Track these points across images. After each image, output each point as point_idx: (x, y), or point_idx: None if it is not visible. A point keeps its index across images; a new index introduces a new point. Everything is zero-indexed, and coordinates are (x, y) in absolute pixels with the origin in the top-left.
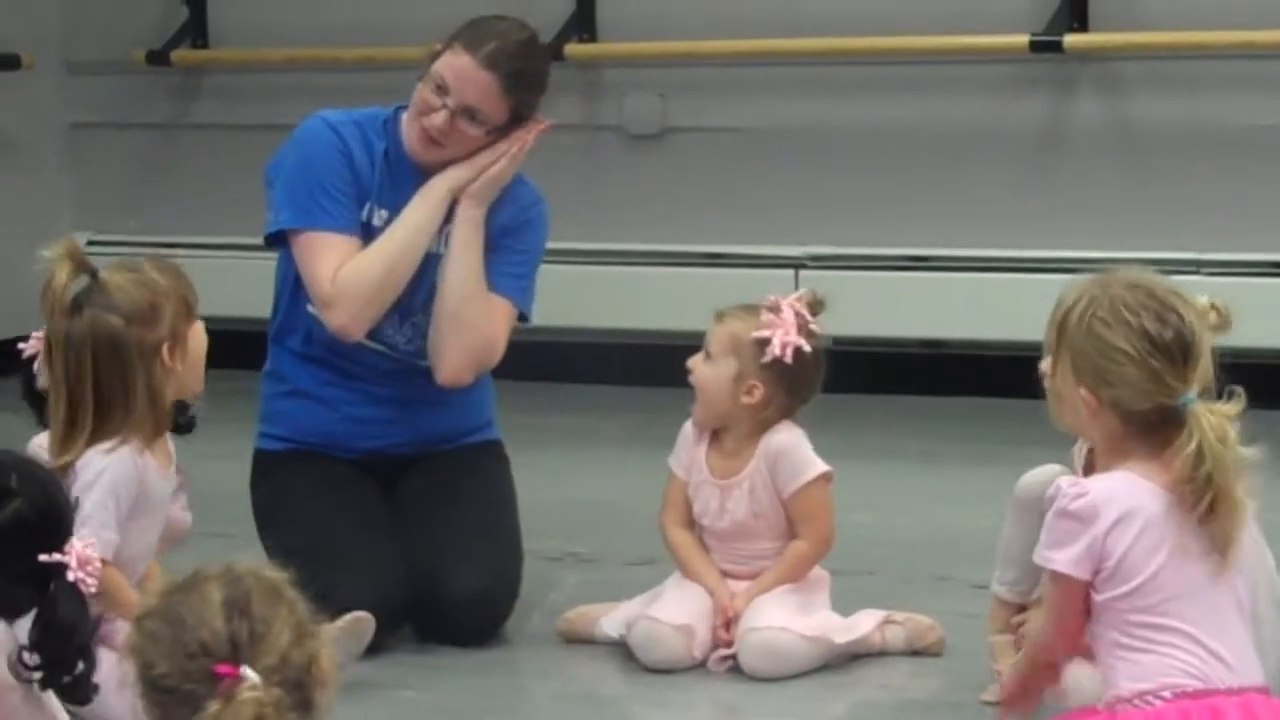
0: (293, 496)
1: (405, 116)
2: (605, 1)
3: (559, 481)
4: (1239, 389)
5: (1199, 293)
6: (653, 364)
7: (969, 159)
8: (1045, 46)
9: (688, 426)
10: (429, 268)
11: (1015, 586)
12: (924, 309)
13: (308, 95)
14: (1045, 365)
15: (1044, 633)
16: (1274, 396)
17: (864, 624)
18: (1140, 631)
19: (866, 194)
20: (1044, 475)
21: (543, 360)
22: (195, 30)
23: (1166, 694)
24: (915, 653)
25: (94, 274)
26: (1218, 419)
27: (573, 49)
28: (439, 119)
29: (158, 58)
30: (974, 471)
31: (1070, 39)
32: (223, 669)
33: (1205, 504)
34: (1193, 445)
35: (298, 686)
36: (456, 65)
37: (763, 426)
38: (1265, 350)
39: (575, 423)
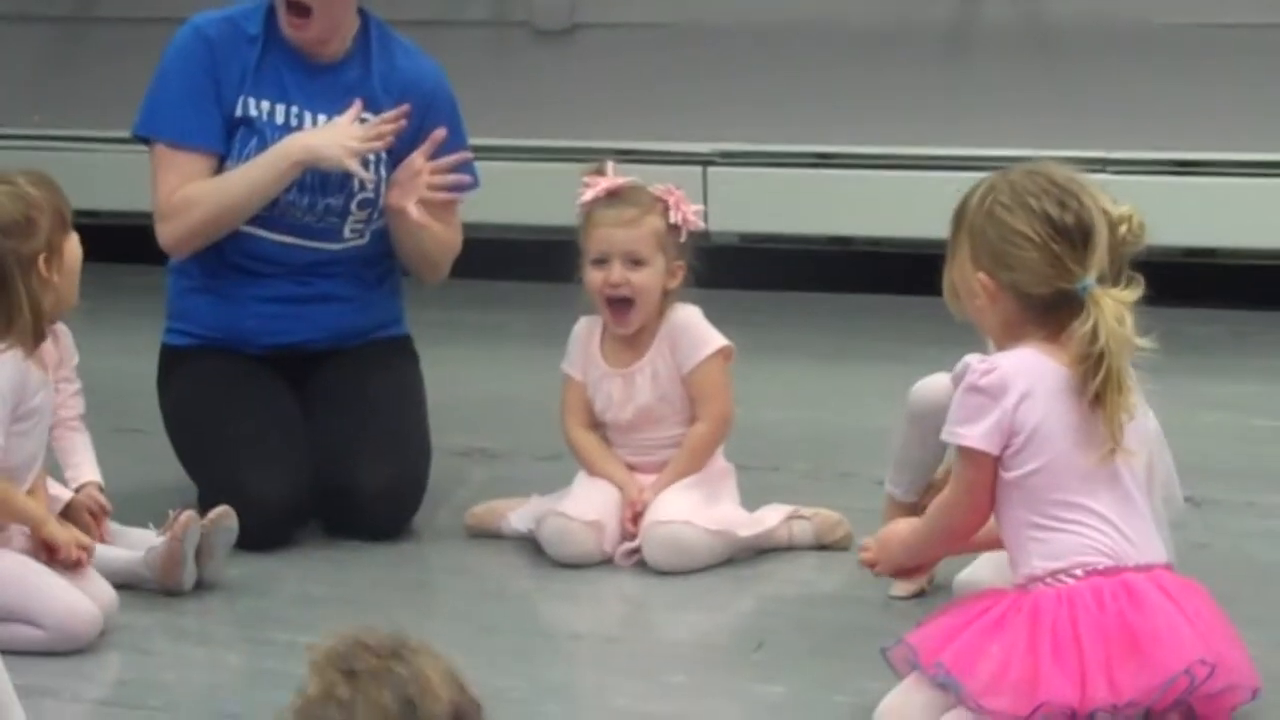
0: (200, 394)
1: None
2: None
3: (467, 377)
4: (1138, 276)
5: (1107, 190)
6: (559, 260)
7: (879, 56)
8: None
9: (578, 328)
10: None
11: (910, 488)
12: (832, 206)
13: None
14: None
15: (951, 504)
16: (1175, 294)
17: (770, 518)
18: (1051, 510)
19: (775, 91)
20: (935, 384)
21: (487, 258)
22: None
23: (1079, 572)
24: (822, 547)
25: None
26: (1115, 303)
27: None
28: None
29: None
30: (880, 369)
31: None
32: None
33: (1096, 384)
34: (1089, 325)
35: None
36: None
37: (665, 306)
38: (1168, 248)
39: (483, 319)
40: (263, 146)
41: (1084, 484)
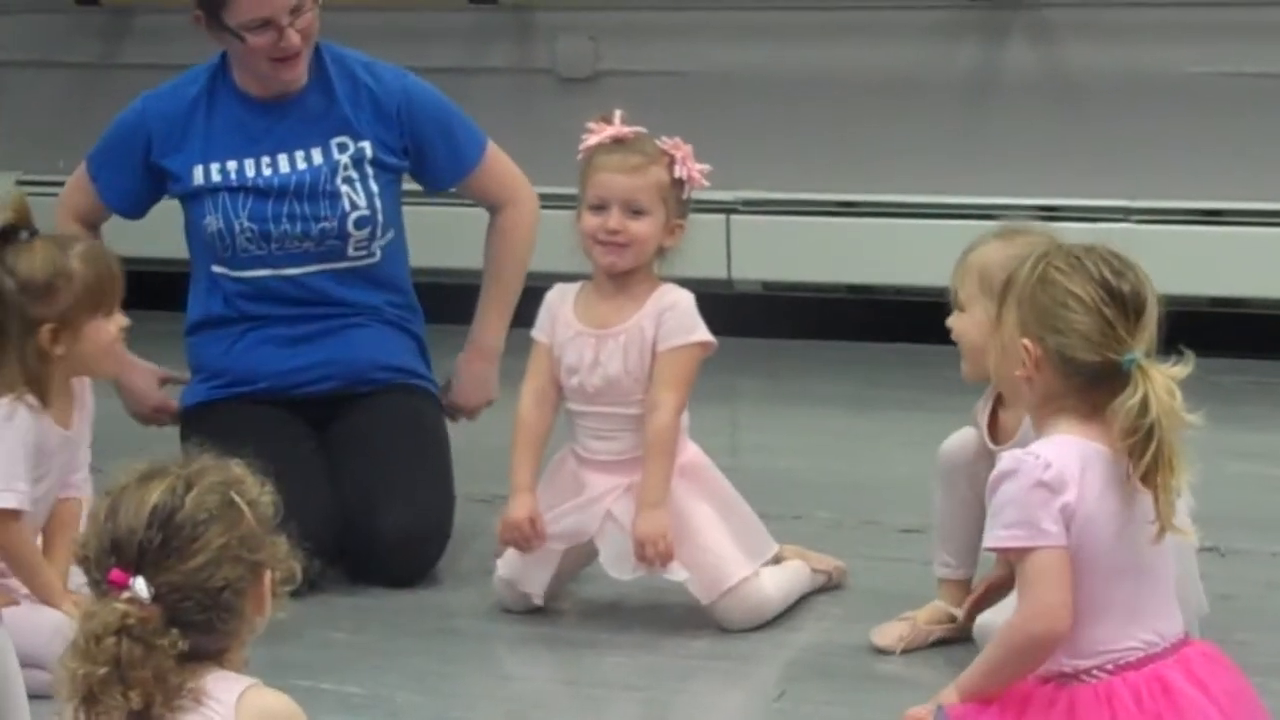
0: (222, 444)
1: (242, 74)
2: None
3: (490, 422)
4: (1188, 353)
5: (1129, 239)
6: None
7: (902, 105)
8: None
9: (550, 294)
10: (319, 180)
11: (961, 562)
12: (854, 254)
13: None
14: (953, 320)
15: (1032, 614)
16: (1201, 344)
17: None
18: (1084, 602)
19: (798, 139)
20: (961, 439)
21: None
22: None
23: (1110, 666)
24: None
25: (29, 231)
26: (1164, 377)
27: None
28: (290, 39)
29: None
30: (903, 417)
31: None
32: (115, 574)
33: (1146, 461)
34: (1137, 396)
35: (201, 608)
36: None
37: (656, 267)
38: (1194, 297)
39: (505, 364)
40: (236, 203)
41: (1120, 572)
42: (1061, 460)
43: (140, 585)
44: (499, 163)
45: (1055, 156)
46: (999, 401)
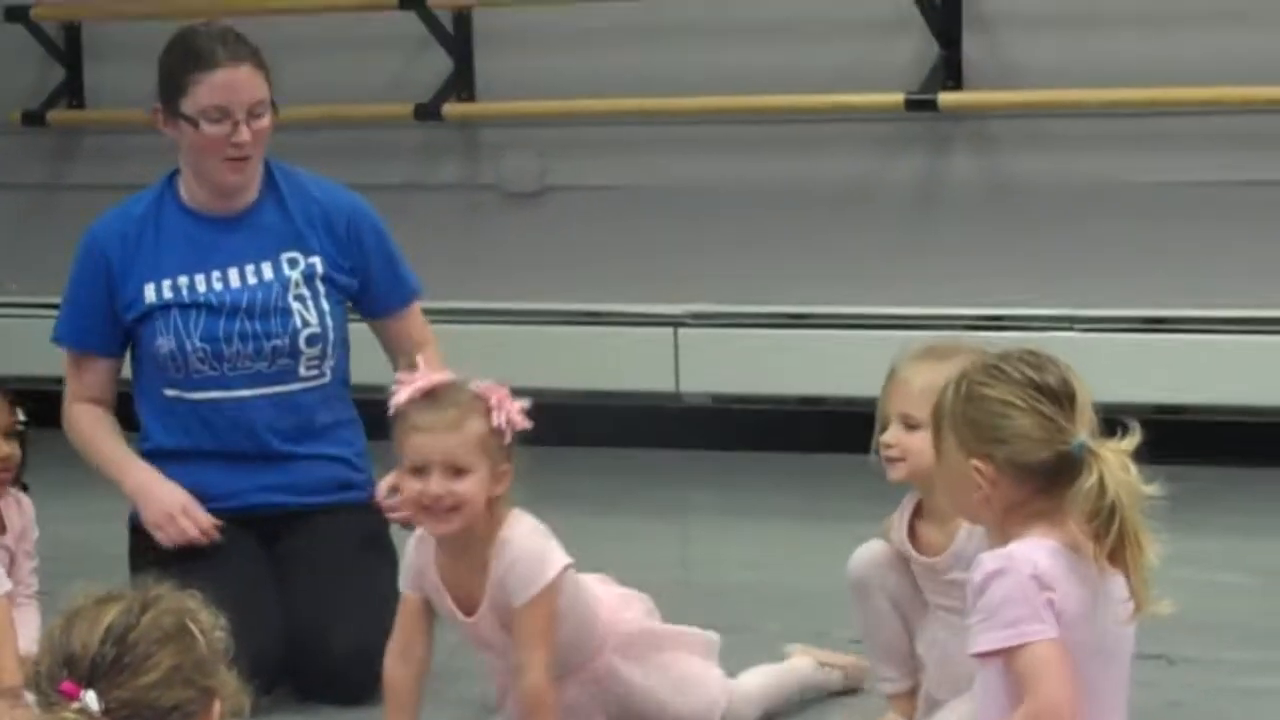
0: (170, 561)
1: (187, 175)
2: (483, 61)
3: None
4: (1134, 423)
5: (1073, 348)
6: (531, 423)
7: (846, 217)
8: (920, 105)
9: (411, 550)
10: (270, 296)
11: (900, 675)
12: (803, 366)
13: None
14: (899, 437)
15: (1047, 709)
16: (1143, 452)
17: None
18: None
19: (745, 252)
20: (870, 553)
21: None
22: (71, 91)
23: None
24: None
25: None
26: (1116, 453)
27: (451, 108)
28: (242, 134)
29: (34, 118)
30: (853, 528)
31: (945, 97)
32: (67, 686)
33: (1110, 541)
34: (1093, 478)
35: None
36: (222, 82)
37: (495, 516)
38: (1136, 405)
39: None
40: (188, 322)
41: (1084, 682)
42: (1041, 559)
43: (91, 698)
44: (419, 311)
45: (999, 266)
46: (916, 513)
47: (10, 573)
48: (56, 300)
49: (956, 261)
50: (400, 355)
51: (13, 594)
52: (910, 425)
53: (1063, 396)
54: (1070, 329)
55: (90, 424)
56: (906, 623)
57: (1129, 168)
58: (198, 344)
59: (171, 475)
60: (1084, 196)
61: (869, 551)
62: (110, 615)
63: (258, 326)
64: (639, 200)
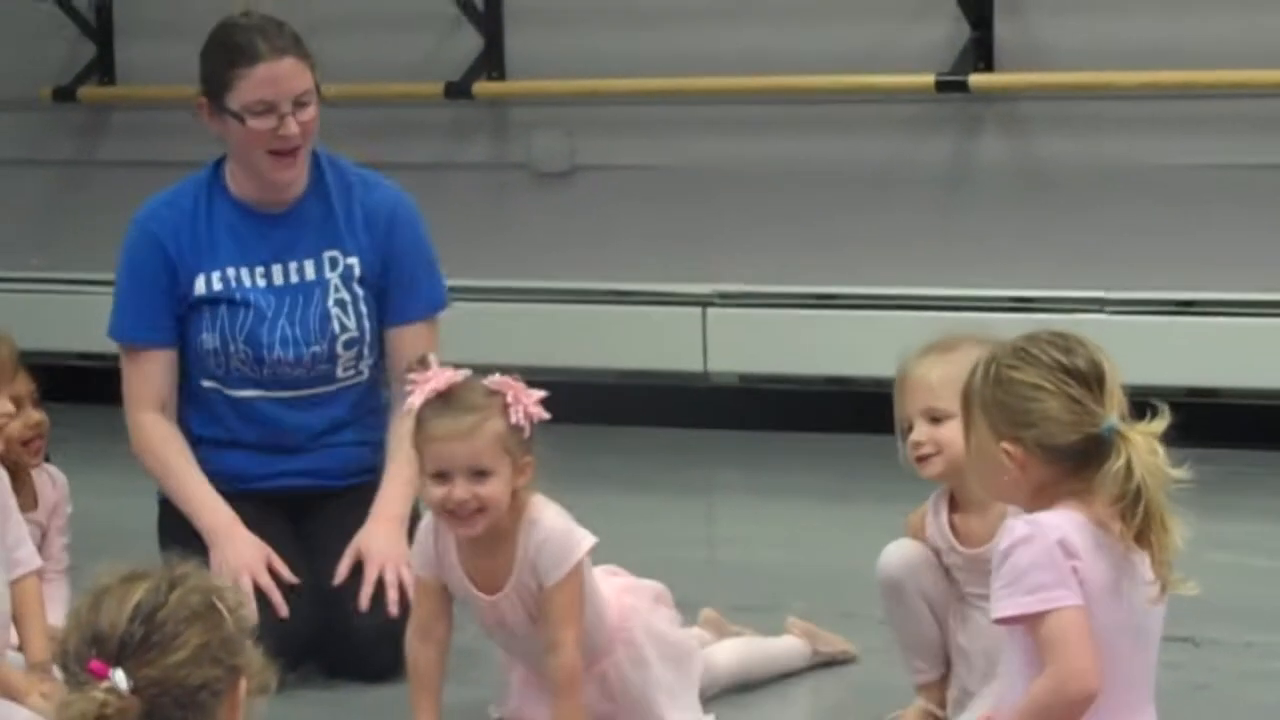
0: (197, 537)
1: (234, 167)
2: (514, 40)
3: None
4: (1163, 406)
5: (1102, 330)
6: (560, 402)
7: (876, 197)
8: (951, 86)
9: (422, 533)
10: (311, 300)
11: (932, 665)
12: (830, 347)
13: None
14: (929, 432)
15: (1072, 675)
16: (1175, 434)
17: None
18: None
19: (774, 232)
20: (901, 553)
21: None
22: (102, 67)
23: None
24: (827, 664)
25: None
26: (1144, 436)
27: (481, 87)
28: (290, 127)
29: (64, 94)
30: (880, 508)
31: (976, 79)
32: (95, 665)
33: (1136, 523)
34: (1120, 461)
35: (178, 705)
36: (265, 76)
37: (519, 505)
38: (1172, 388)
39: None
40: (235, 323)
41: (1108, 659)
42: (1066, 527)
43: (120, 676)
44: (436, 333)
45: (1030, 248)
46: (952, 508)
47: (41, 548)
48: (83, 275)
49: (986, 243)
50: (397, 367)
51: (43, 570)
52: (935, 419)
53: (1091, 378)
54: (1100, 311)
55: (161, 443)
56: (938, 616)
57: (1160, 150)
58: (241, 346)
59: (203, 458)
60: (1115, 178)
61: (901, 551)
62: (138, 594)
63: (298, 333)
64: (668, 180)
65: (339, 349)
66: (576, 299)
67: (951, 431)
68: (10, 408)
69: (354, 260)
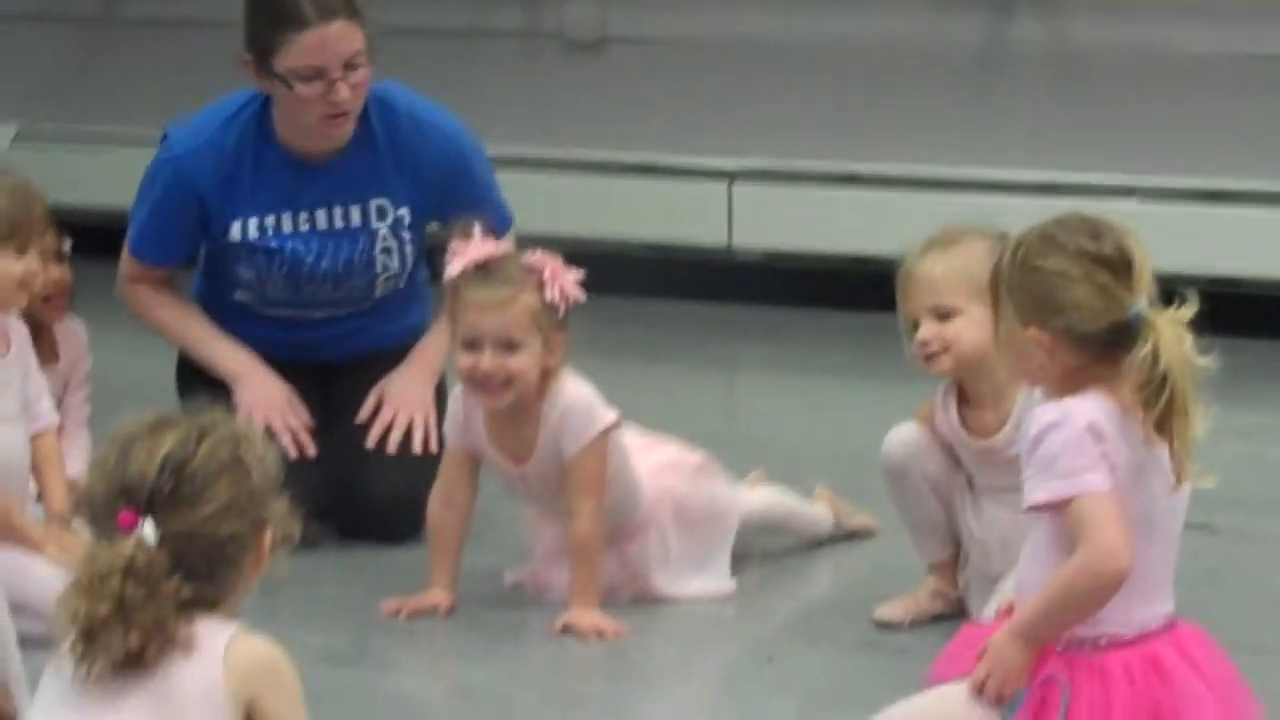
0: (219, 400)
1: (286, 127)
2: None
3: None
4: (1191, 293)
5: (1132, 217)
6: (584, 273)
7: (907, 78)
8: None
9: (453, 405)
10: (356, 246)
11: (941, 546)
12: (856, 225)
13: None
14: (936, 330)
15: (1104, 553)
16: (1197, 323)
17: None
18: None
19: (802, 109)
20: (903, 438)
21: None
22: None
23: (1104, 642)
24: (849, 536)
25: None
26: (1172, 323)
27: None
28: (341, 92)
29: None
30: (901, 386)
31: None
32: (125, 516)
33: (1159, 410)
34: (1147, 348)
35: (205, 557)
36: (313, 43)
37: (547, 385)
38: (1199, 277)
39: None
40: (272, 265)
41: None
42: (1096, 413)
43: (149, 528)
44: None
45: (1059, 133)
46: (962, 400)
47: (62, 400)
48: (108, 129)
49: (1016, 126)
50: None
51: (62, 423)
52: (942, 315)
53: (1119, 264)
54: (1130, 197)
55: (165, 303)
56: (943, 499)
57: (1194, 38)
58: (279, 281)
59: (224, 322)
60: (1148, 65)
61: (902, 436)
62: (167, 444)
63: (340, 271)
64: (698, 54)
65: (378, 285)
66: (603, 170)
67: (958, 328)
68: (36, 266)
69: (404, 210)
